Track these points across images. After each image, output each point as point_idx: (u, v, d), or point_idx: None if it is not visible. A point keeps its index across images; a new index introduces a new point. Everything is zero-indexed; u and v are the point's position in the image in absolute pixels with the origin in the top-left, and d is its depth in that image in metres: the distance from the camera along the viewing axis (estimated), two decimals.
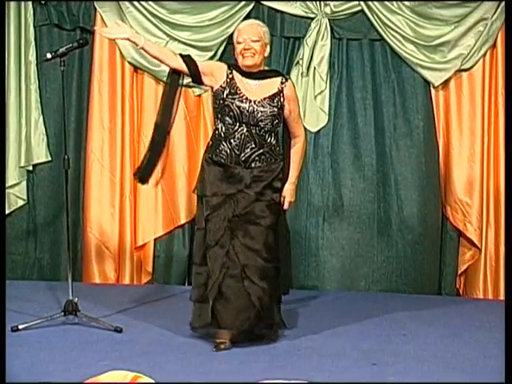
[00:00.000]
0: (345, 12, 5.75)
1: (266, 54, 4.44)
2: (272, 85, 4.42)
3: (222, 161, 4.38)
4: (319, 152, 5.88)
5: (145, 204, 5.94)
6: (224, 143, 4.39)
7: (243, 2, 5.77)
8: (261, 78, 4.42)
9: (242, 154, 4.37)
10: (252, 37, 4.35)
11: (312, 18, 5.74)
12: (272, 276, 4.39)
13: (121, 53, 5.88)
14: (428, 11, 5.68)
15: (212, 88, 4.45)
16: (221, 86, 4.39)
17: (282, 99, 4.41)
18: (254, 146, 4.37)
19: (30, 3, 5.88)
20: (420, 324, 4.92)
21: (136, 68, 5.91)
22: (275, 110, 4.38)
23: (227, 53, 5.85)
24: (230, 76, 4.40)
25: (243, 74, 4.41)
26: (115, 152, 5.93)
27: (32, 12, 5.90)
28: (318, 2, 5.72)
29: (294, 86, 4.52)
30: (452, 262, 5.84)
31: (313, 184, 5.87)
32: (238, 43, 4.38)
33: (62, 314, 4.59)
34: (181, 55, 4.48)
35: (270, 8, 5.81)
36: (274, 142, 4.44)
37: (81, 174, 5.99)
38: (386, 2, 5.68)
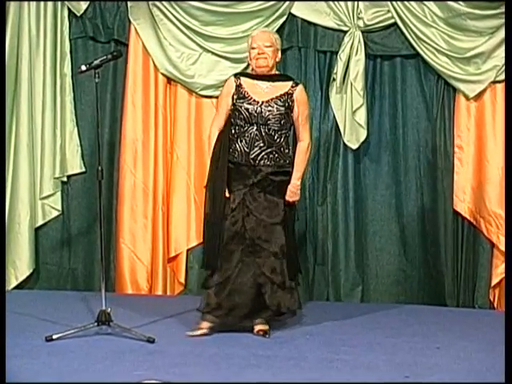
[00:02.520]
0: (378, 25, 5.73)
1: (278, 59, 4.79)
2: (282, 87, 4.74)
3: (235, 159, 4.69)
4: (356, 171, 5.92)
5: (177, 215, 5.96)
6: (236, 143, 4.70)
7: (276, 14, 5.78)
8: (272, 80, 4.74)
9: (252, 152, 4.68)
10: (265, 42, 4.71)
11: (345, 32, 5.73)
12: (283, 269, 4.69)
13: (154, 64, 5.93)
14: (462, 23, 5.64)
15: None
16: (232, 96, 4.73)
17: (290, 101, 4.71)
18: (262, 144, 4.68)
19: (66, 16, 5.96)
20: (453, 337, 4.87)
21: (169, 79, 5.95)
22: (282, 109, 4.68)
23: None
24: (238, 83, 4.75)
25: (254, 77, 4.73)
26: (148, 163, 5.97)
27: (68, 25, 5.97)
28: (351, 15, 5.72)
29: (305, 91, 4.80)
30: (485, 275, 5.79)
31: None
32: (253, 48, 4.72)
33: (96, 324, 4.62)
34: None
35: (303, 20, 5.82)
36: (284, 144, 4.72)
37: (114, 185, 6.03)
38: (420, 15, 5.66)
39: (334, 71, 5.75)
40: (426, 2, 5.67)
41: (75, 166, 6.03)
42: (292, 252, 4.78)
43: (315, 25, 5.81)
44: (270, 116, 4.66)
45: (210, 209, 4.77)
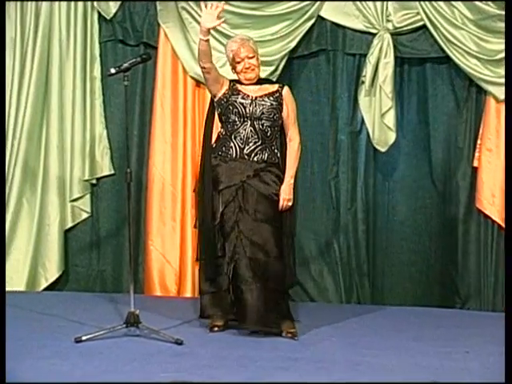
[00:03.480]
0: (407, 27, 5.71)
1: (259, 63, 4.89)
2: (270, 87, 4.89)
3: (228, 157, 4.77)
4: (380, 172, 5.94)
5: None
6: (229, 140, 4.80)
7: (305, 17, 5.78)
8: (260, 84, 4.88)
9: (246, 148, 4.79)
10: (248, 54, 4.81)
11: (374, 34, 5.72)
12: (275, 270, 4.70)
13: (183, 67, 5.96)
14: (492, 25, 5.59)
15: (214, 96, 4.86)
16: (223, 94, 4.82)
17: (280, 98, 4.84)
18: (256, 139, 4.79)
19: (96, 20, 6.01)
20: (482, 341, 4.83)
21: (198, 82, 5.96)
22: (274, 103, 4.81)
23: (288, 67, 5.89)
24: (232, 84, 4.86)
25: (242, 84, 4.87)
26: (177, 166, 6.00)
27: (98, 28, 6.03)
28: (380, 17, 5.70)
29: (291, 93, 4.92)
30: None
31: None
32: (237, 63, 4.83)
33: (124, 325, 4.64)
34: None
35: (331, 23, 5.81)
36: (274, 143, 4.83)
37: (143, 188, 6.07)
38: (450, 17, 5.63)
39: (363, 74, 5.73)
40: (455, 4, 5.64)
41: (104, 168, 6.08)
42: (288, 256, 4.81)
43: (344, 27, 5.80)
44: (264, 110, 4.77)
45: (202, 213, 4.85)
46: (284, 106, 4.85)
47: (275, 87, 4.88)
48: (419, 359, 4.41)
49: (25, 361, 4.15)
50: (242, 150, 4.77)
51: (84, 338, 4.53)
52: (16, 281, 5.95)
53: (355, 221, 5.92)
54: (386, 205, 5.93)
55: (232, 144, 4.78)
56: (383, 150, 5.76)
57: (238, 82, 4.88)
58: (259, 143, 4.78)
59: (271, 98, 4.82)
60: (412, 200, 5.91)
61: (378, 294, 5.92)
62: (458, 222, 5.80)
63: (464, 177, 5.79)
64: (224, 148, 4.80)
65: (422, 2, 5.66)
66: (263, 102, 4.79)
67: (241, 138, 4.78)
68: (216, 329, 4.83)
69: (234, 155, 4.77)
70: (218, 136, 4.88)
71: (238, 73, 4.85)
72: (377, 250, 5.95)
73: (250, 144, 4.77)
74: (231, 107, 4.79)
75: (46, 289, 6.02)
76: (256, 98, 4.80)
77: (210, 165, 4.82)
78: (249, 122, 4.78)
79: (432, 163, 5.87)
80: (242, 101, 4.79)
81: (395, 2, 5.70)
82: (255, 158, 4.77)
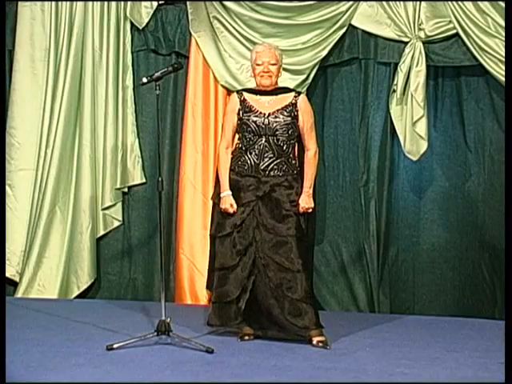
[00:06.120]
0: (440, 36, 5.68)
1: (280, 75, 4.86)
2: (285, 99, 4.82)
3: (244, 171, 4.75)
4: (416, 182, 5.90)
5: None
6: (245, 155, 4.79)
7: (336, 26, 5.77)
8: (275, 94, 4.81)
9: (262, 163, 4.77)
10: (271, 60, 4.78)
11: (406, 43, 5.69)
12: (297, 283, 4.68)
13: (214, 76, 5.97)
14: None
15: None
16: (238, 111, 4.79)
17: (295, 110, 4.78)
18: (272, 155, 4.76)
19: (128, 30, 6.06)
20: None
21: (229, 91, 5.98)
22: (288, 119, 4.76)
23: (320, 76, 5.88)
24: (242, 98, 4.82)
25: (257, 92, 4.75)
26: (208, 174, 6.01)
27: (130, 38, 6.08)
28: (412, 26, 5.67)
29: (307, 100, 4.85)
30: None
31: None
32: (257, 65, 4.80)
33: (155, 333, 4.65)
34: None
35: (363, 31, 5.80)
36: (291, 155, 4.80)
37: (174, 196, 6.09)
38: (483, 26, 5.58)
39: (395, 82, 5.71)
40: (488, 12, 5.60)
41: (136, 176, 6.11)
42: (308, 266, 4.79)
43: (376, 36, 5.79)
44: (278, 127, 4.74)
45: (217, 222, 4.82)
46: (300, 117, 4.80)
47: (290, 97, 4.81)
48: (454, 370, 4.37)
49: (57, 368, 4.16)
50: (257, 165, 4.76)
51: (115, 345, 4.55)
52: (49, 289, 5.99)
53: (386, 229, 5.89)
54: (418, 213, 5.89)
55: (247, 159, 4.78)
56: (415, 158, 5.73)
57: (249, 90, 4.85)
58: (274, 158, 4.76)
59: (285, 113, 4.76)
60: (444, 210, 5.86)
61: (410, 304, 5.88)
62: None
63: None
64: (240, 162, 4.80)
65: (454, 11, 5.62)
66: (276, 119, 4.75)
67: (256, 154, 4.77)
68: (247, 337, 4.82)
69: (250, 171, 4.77)
70: (235, 148, 4.87)
71: (255, 75, 4.81)
72: (408, 259, 5.91)
73: (266, 159, 4.76)
74: (245, 126, 4.78)
75: (78, 296, 6.05)
76: (269, 114, 4.76)
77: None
78: (264, 138, 4.76)
79: (466, 172, 5.82)
80: (256, 119, 4.76)
81: (427, 10, 5.67)
82: (271, 173, 4.76)
